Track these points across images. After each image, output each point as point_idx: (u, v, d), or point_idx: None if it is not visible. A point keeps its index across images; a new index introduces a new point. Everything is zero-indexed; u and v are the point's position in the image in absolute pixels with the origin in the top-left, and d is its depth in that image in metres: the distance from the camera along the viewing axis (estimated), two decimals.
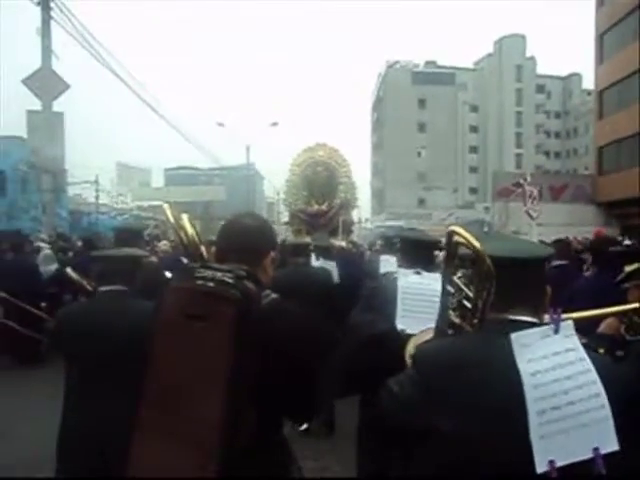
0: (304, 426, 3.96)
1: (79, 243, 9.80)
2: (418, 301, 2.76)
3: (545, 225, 19.99)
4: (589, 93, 58.88)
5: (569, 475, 1.19)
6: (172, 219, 1.94)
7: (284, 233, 17.19)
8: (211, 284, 1.42)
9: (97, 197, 37.31)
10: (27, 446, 4.33)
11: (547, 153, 63.06)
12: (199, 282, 1.43)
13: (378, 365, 2.70)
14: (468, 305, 1.46)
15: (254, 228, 1.71)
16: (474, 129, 61.54)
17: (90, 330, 2.34)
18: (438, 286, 2.74)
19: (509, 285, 1.33)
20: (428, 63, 62.06)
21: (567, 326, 1.31)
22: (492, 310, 1.36)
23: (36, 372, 6.28)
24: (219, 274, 1.44)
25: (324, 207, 16.35)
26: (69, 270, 4.51)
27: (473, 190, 59.20)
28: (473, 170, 60.86)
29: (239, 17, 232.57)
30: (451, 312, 1.56)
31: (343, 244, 10.99)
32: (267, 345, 1.42)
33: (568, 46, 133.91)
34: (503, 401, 1.24)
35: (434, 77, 58.82)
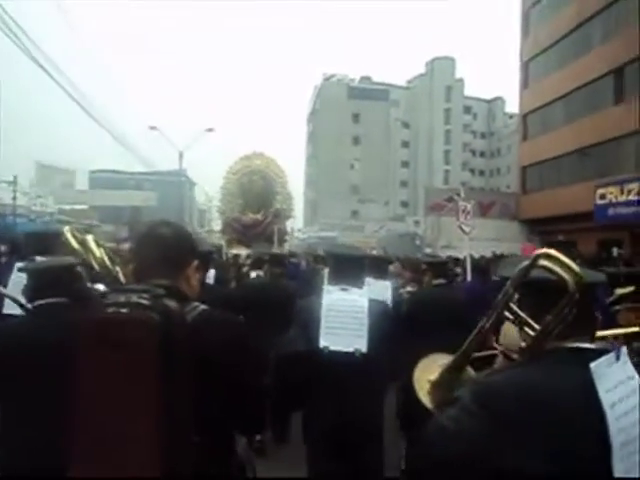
0: (258, 437, 3.87)
1: (2, 247, 8.95)
2: (342, 317, 2.76)
3: (475, 240, 20.86)
4: (511, 116, 62.53)
5: None
6: (75, 244, 1.81)
7: (218, 241, 16.86)
8: (124, 310, 1.32)
9: (14, 198, 34.68)
10: None
11: (472, 171, 65.96)
12: (111, 310, 1.33)
13: (293, 384, 2.75)
14: (530, 333, 1.33)
15: (171, 237, 1.58)
16: (406, 144, 63.50)
17: (29, 349, 2.14)
18: (364, 302, 2.81)
19: (578, 312, 1.26)
20: (363, 78, 63.56)
21: (624, 352, 1.26)
22: (555, 337, 1.29)
23: None
24: (134, 297, 1.34)
25: (259, 216, 16.28)
26: None
27: (404, 204, 60.87)
28: (404, 184, 62.63)
29: (178, 18, 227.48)
30: (493, 338, 1.47)
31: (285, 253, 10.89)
32: (199, 360, 1.35)
33: (493, 71, 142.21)
34: (587, 435, 1.17)
35: (369, 93, 60.29)
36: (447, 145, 63.02)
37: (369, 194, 56.35)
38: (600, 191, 20.27)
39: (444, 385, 1.52)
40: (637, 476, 1.16)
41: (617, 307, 2.14)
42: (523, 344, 1.34)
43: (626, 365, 1.25)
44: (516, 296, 1.40)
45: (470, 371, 1.56)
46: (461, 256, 8.68)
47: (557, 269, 1.26)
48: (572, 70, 23.73)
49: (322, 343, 2.73)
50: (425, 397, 1.58)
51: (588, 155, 22.92)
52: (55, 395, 1.98)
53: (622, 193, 19.18)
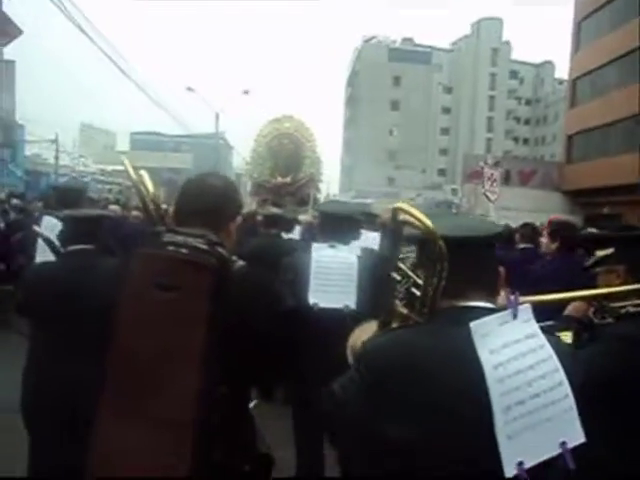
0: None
1: (39, 203, 9.23)
2: (331, 275, 2.74)
3: (512, 209, 20.18)
4: (560, 82, 59.71)
5: (538, 476, 1.07)
6: (132, 173, 1.79)
7: (250, 204, 16.95)
8: (184, 250, 1.32)
9: (57, 157, 35.53)
10: None
11: (516, 139, 63.81)
12: (170, 248, 1.33)
13: (284, 340, 2.66)
14: (417, 293, 1.30)
15: (220, 188, 1.55)
16: (447, 110, 61.61)
17: (60, 290, 2.31)
18: (354, 259, 2.75)
19: (462, 268, 1.19)
20: (405, 40, 61.42)
21: (525, 310, 1.18)
22: (444, 297, 1.21)
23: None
24: (191, 239, 1.34)
25: (288, 180, 16.22)
26: (36, 228, 4.14)
27: (442, 172, 59.56)
28: (443, 152, 61.14)
29: None
30: (397, 302, 1.39)
31: (309, 218, 10.80)
32: (239, 314, 1.34)
33: (543, 33, 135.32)
34: (465, 400, 1.10)
35: (410, 55, 58.26)
36: (490, 112, 60.80)
37: (406, 161, 55.24)
38: None
39: None
40: (527, 441, 1.08)
41: (597, 269, 2.06)
42: (417, 306, 1.29)
43: (528, 323, 1.17)
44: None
45: None
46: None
47: (416, 223, 1.18)
48: (627, 31, 22.14)
49: (311, 300, 2.69)
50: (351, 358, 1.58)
51: (639, 123, 21.60)
52: (82, 336, 2.08)
53: None
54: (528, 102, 65.39)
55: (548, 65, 64.99)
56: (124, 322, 1.33)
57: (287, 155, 16.78)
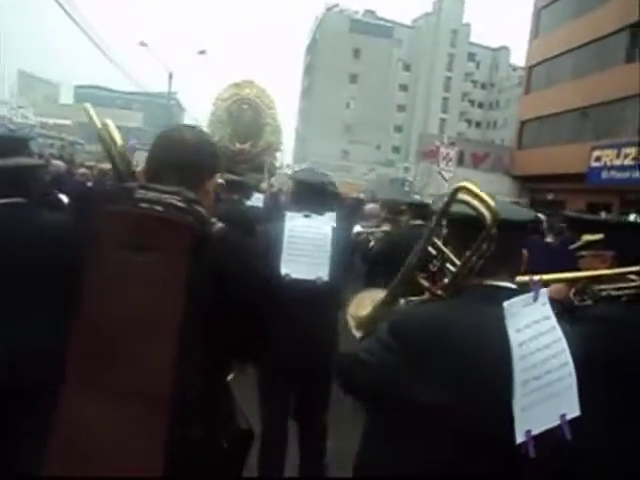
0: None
1: None
2: (305, 245, 2.69)
3: None
4: (515, 69, 61.17)
5: (540, 442, 1.20)
6: (98, 122, 1.65)
7: None
8: (159, 208, 1.21)
9: None
10: None
11: (469, 121, 65.03)
12: (143, 205, 1.22)
13: (264, 308, 2.63)
14: (452, 269, 1.33)
15: (196, 143, 1.40)
16: (404, 87, 61.86)
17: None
18: (328, 229, 2.74)
19: (499, 249, 1.26)
20: (367, 12, 60.72)
21: (543, 293, 1.29)
22: (474, 275, 1.30)
23: None
24: (166, 196, 1.23)
25: (247, 146, 15.96)
26: None
27: (396, 149, 60.12)
28: (398, 129, 61.59)
29: None
30: (419, 274, 1.42)
31: (267, 186, 10.65)
32: (217, 278, 1.24)
33: (502, 18, 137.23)
34: (491, 372, 1.22)
35: (372, 28, 57.68)
36: (446, 92, 61.53)
37: (361, 135, 55.24)
38: (596, 153, 19.95)
39: (375, 320, 1.54)
40: (536, 413, 1.21)
41: (582, 253, 2.14)
42: (446, 280, 1.35)
43: (544, 306, 1.28)
44: (444, 232, 1.41)
45: (403, 304, 1.56)
46: None
47: (476, 204, 1.23)
48: (586, 22, 22.65)
49: (283, 270, 2.64)
50: (357, 330, 1.62)
51: (589, 115, 22.37)
52: (14, 295, 2.04)
53: (618, 157, 18.90)
54: (483, 86, 66.53)
55: (504, 50, 66.17)
56: (90, 287, 1.20)
57: (247, 121, 16.46)
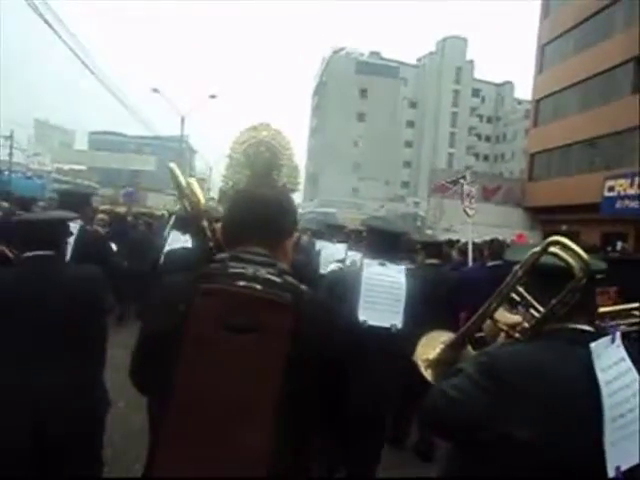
0: None
1: (4, 203, 8.70)
2: (381, 293, 2.74)
3: (476, 224, 20.56)
4: (519, 102, 61.91)
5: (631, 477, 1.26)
6: (183, 180, 1.67)
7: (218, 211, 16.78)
8: (258, 286, 1.16)
9: (11, 154, 34.07)
10: None
11: (477, 155, 65.47)
12: (241, 283, 1.16)
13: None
14: (535, 314, 1.43)
15: (276, 200, 1.38)
16: (411, 124, 62.74)
17: (19, 298, 2.16)
18: (402, 278, 2.82)
19: (582, 296, 1.35)
20: (372, 54, 62.23)
21: (619, 336, 1.36)
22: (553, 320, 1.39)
23: None
24: (262, 271, 1.19)
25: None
26: None
27: (405, 184, 60.45)
28: (406, 164, 62.11)
29: None
30: (497, 319, 1.53)
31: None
32: (314, 353, 1.18)
33: (504, 54, 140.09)
34: (584, 409, 1.28)
35: (378, 68, 58.97)
36: (453, 127, 62.32)
37: (370, 172, 55.75)
38: (609, 183, 19.90)
39: (445, 361, 1.64)
40: (624, 449, 1.27)
41: None
42: (526, 324, 1.45)
43: (620, 348, 1.36)
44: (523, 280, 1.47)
45: (469, 349, 1.67)
46: (463, 239, 8.44)
47: (566, 256, 1.33)
48: (591, 56, 23.04)
49: (361, 317, 2.68)
50: (427, 372, 1.68)
51: (599, 145, 22.45)
52: (29, 343, 2.09)
53: (631, 186, 18.82)
54: (489, 120, 67.31)
55: (508, 85, 67.16)
56: (191, 364, 1.15)
57: (264, 163, 16.82)
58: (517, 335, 1.47)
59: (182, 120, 32.68)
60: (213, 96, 33.26)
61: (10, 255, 3.51)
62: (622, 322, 1.92)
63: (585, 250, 1.35)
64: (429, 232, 22.12)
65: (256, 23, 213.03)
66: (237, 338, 1.13)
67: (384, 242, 2.91)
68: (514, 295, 1.48)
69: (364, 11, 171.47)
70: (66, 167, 45.80)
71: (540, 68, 27.87)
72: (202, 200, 1.58)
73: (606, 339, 1.35)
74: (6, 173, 28.32)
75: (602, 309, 1.94)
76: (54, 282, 2.21)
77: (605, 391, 1.29)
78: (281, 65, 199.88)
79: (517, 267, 1.45)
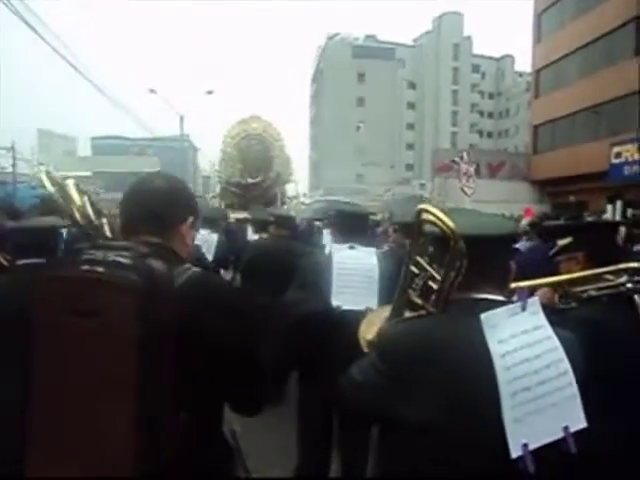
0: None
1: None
2: (354, 276, 2.73)
3: (483, 202, 20.35)
4: (520, 75, 61.04)
5: (541, 457, 1.17)
6: (50, 186, 1.76)
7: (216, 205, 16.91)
8: (100, 269, 1.15)
9: (14, 165, 34.28)
10: None
11: (480, 132, 64.78)
12: (84, 267, 1.16)
13: (310, 345, 2.72)
14: (434, 286, 1.38)
15: (165, 191, 1.43)
16: (411, 105, 62.09)
17: (6, 309, 2.04)
18: (374, 260, 2.78)
19: (478, 263, 1.27)
20: (368, 37, 61.53)
21: (534, 303, 1.29)
22: (458, 289, 1.31)
23: None
24: (112, 254, 1.18)
25: (257, 180, 16.37)
26: None
27: (409, 167, 60.00)
28: (410, 147, 61.60)
29: None
30: (411, 292, 1.46)
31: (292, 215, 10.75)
32: (189, 330, 1.20)
33: (502, 27, 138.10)
34: (475, 385, 1.20)
35: (374, 51, 58.32)
36: (454, 106, 61.61)
37: (374, 157, 55.38)
38: (616, 149, 19.57)
39: None
40: (532, 425, 1.18)
41: (559, 257, 2.22)
42: (433, 297, 1.39)
43: (536, 315, 1.28)
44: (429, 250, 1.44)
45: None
46: None
47: (439, 223, 1.28)
48: (588, 20, 22.58)
49: (334, 302, 2.66)
50: (368, 350, 1.65)
51: (603, 112, 22.02)
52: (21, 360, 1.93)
53: (639, 151, 18.46)
54: (491, 95, 66.45)
55: (508, 59, 66.17)
56: (42, 352, 1.17)
57: (256, 156, 16.93)
58: (431, 309, 1.40)
59: (181, 119, 32.61)
60: (210, 92, 33.14)
61: (4, 263, 3.55)
62: (590, 287, 1.96)
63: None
64: None
65: (248, 15, 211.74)
66: (81, 322, 1.12)
67: (351, 225, 2.90)
68: (413, 267, 1.44)
69: None
70: (70, 174, 46.02)
71: (538, 37, 27.37)
72: (78, 200, 1.61)
73: (511, 307, 1.26)
74: (10, 185, 28.52)
75: (571, 275, 2.01)
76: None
77: (500, 363, 1.20)
78: (277, 55, 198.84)
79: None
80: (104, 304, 1.12)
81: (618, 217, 11.30)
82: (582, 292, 1.99)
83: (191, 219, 1.48)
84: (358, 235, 2.85)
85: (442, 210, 1.30)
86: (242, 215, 12.63)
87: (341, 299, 2.67)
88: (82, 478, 1.14)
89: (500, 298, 1.31)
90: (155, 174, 1.56)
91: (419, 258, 1.44)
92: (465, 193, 8.06)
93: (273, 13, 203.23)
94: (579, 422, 1.22)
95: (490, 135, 66.07)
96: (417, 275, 1.45)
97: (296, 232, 8.50)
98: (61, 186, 1.76)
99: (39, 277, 1.21)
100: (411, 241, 1.46)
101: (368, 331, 1.73)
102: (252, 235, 6.08)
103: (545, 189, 25.47)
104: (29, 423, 1.18)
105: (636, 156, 18.56)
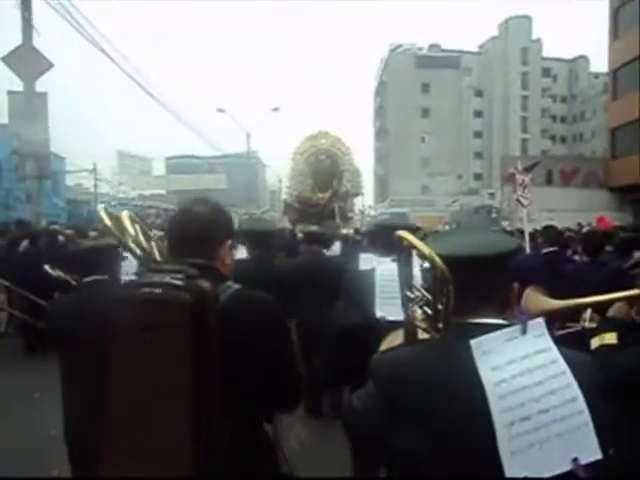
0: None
1: (68, 231, 9.60)
2: (396, 287, 2.42)
3: (557, 211, 19.37)
4: (596, 76, 58.06)
5: None
6: (108, 221, 1.84)
7: (281, 221, 17.23)
8: (158, 290, 1.31)
9: (95, 186, 36.71)
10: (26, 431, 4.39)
11: (553, 137, 62.10)
12: (144, 290, 1.33)
13: (351, 357, 2.63)
14: (428, 311, 1.35)
15: (206, 215, 1.58)
16: (479, 114, 60.64)
17: (77, 324, 2.25)
18: (417, 271, 2.51)
19: (469, 286, 1.21)
20: (432, 46, 60.84)
21: (536, 325, 1.19)
22: (456, 314, 1.24)
23: (39, 359, 6.06)
24: (167, 277, 1.34)
25: (328, 195, 16.57)
26: (47, 267, 4.54)
27: (478, 176, 58.46)
28: (478, 156, 60.06)
29: (238, 1, 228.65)
30: (417, 317, 1.43)
31: (346, 232, 10.75)
32: (234, 341, 1.36)
33: (574, 27, 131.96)
34: (466, 416, 1.12)
35: (438, 61, 57.57)
36: (524, 112, 59.46)
37: (440, 167, 54.43)
38: None
39: None
40: (533, 457, 1.09)
41: (637, 270, 2.12)
42: (423, 325, 1.37)
43: (539, 338, 1.18)
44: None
45: None
46: (538, 227, 8.03)
47: (417, 249, 1.29)
48: None
49: (378, 313, 2.72)
50: None
51: None
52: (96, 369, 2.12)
53: None
54: (563, 99, 63.64)
55: (582, 60, 63.19)
56: (115, 364, 1.35)
57: (326, 171, 17.20)
58: (434, 334, 1.35)
59: (248, 136, 33.66)
60: (276, 109, 33.98)
61: (73, 282, 3.80)
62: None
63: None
64: (505, 223, 21.14)
65: (310, 31, 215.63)
66: (144, 336, 1.27)
67: (393, 238, 2.87)
68: (408, 292, 1.41)
69: (419, 4, 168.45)
70: (147, 193, 48.57)
71: (615, 35, 25.89)
72: (132, 230, 1.80)
73: (508, 330, 1.18)
74: (93, 205, 30.54)
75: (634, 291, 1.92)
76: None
77: (493, 392, 1.11)
78: (340, 70, 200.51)
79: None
80: (163, 320, 1.27)
81: None
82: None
83: (230, 242, 1.62)
84: (400, 248, 2.85)
85: (441, 232, 1.31)
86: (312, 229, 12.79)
87: (385, 310, 2.71)
88: (148, 477, 1.27)
89: (498, 321, 1.22)
90: (199, 200, 1.67)
91: (414, 283, 1.42)
92: (521, 204, 7.77)
93: (334, 28, 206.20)
94: (592, 453, 1.09)
95: (564, 140, 63.18)
96: (412, 300, 1.41)
97: (354, 247, 8.52)
98: (117, 219, 1.87)
99: (109, 299, 1.40)
100: (401, 267, 1.44)
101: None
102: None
103: (626, 196, 23.85)
104: (102, 426, 1.33)
105: None
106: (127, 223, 1.83)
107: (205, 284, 1.33)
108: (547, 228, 6.41)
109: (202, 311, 1.28)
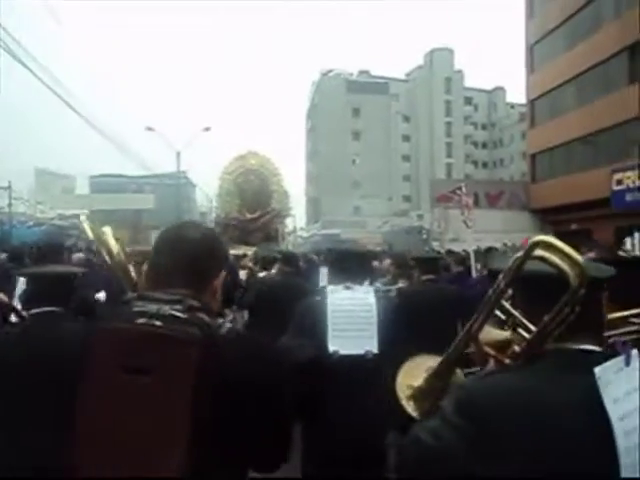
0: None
1: (1, 255, 8.63)
2: (350, 318, 2.57)
3: (482, 232, 20.12)
4: (512, 106, 62.10)
5: None
6: (90, 234, 1.74)
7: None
8: (157, 322, 1.15)
9: (10, 205, 34.18)
10: None
11: (475, 163, 65.44)
12: (140, 321, 1.16)
13: (306, 394, 2.45)
14: (525, 335, 1.19)
15: (205, 244, 1.36)
16: (406, 138, 62.95)
17: (21, 360, 2.05)
18: (372, 299, 2.65)
19: (582, 310, 1.10)
20: (362, 72, 62.74)
21: (635, 357, 1.11)
22: (553, 339, 1.14)
23: None
24: (166, 307, 1.18)
25: (256, 215, 16.54)
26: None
27: (406, 198, 60.31)
28: (406, 178, 62.09)
29: (171, 17, 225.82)
30: (481, 342, 1.27)
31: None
32: (235, 380, 1.19)
33: (492, 60, 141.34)
34: (589, 452, 1.02)
35: (368, 86, 59.44)
36: (448, 138, 62.41)
37: (371, 189, 55.66)
38: (616, 176, 19.53)
39: (431, 391, 1.41)
40: None
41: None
42: (517, 348, 1.22)
43: (636, 371, 1.10)
44: (509, 292, 1.27)
45: (460, 375, 1.45)
46: (469, 249, 8.20)
47: (557, 261, 1.11)
48: (582, 50, 22.89)
49: (331, 347, 2.50)
50: (409, 405, 1.48)
51: (600, 140, 22.08)
52: (42, 409, 1.88)
53: None
54: (484, 127, 67.45)
55: (499, 91, 67.48)
56: (91, 409, 1.14)
57: (254, 191, 17.15)
58: (507, 361, 1.23)
59: (177, 155, 32.70)
60: (207, 129, 33.33)
61: (19, 309, 3.38)
62: (614, 332, 1.67)
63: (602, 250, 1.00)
64: (435, 244, 21.72)
65: (243, 52, 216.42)
66: (135, 379, 1.10)
67: (348, 264, 2.75)
68: (499, 312, 1.25)
69: (349, 31, 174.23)
70: (68, 213, 45.99)
71: (531, 68, 27.72)
72: (114, 249, 1.62)
73: (617, 360, 1.08)
74: (7, 225, 28.31)
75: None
76: (56, 342, 2.09)
77: (619, 427, 1.02)
78: (272, 91, 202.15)
79: (499, 278, 1.20)
80: (163, 359, 1.10)
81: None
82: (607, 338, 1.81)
83: (223, 274, 1.42)
84: (355, 274, 2.70)
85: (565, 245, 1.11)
86: (241, 251, 12.41)
87: (338, 343, 2.51)
88: None
89: (598, 349, 1.14)
90: (188, 223, 1.50)
91: (505, 303, 1.25)
92: (467, 225, 8.01)
93: (267, 50, 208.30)
94: None
95: (485, 165, 66.69)
96: (505, 322, 1.26)
97: (299, 269, 8.27)
98: (100, 234, 1.73)
99: (91, 329, 1.19)
100: (501, 281, 1.21)
101: (408, 380, 1.54)
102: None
103: (546, 218, 25.31)
104: (77, 465, 1.14)
105: (637, 182, 18.48)
106: (110, 238, 1.67)
107: (206, 318, 1.19)
108: (490, 250, 6.73)
109: (211, 350, 1.12)
